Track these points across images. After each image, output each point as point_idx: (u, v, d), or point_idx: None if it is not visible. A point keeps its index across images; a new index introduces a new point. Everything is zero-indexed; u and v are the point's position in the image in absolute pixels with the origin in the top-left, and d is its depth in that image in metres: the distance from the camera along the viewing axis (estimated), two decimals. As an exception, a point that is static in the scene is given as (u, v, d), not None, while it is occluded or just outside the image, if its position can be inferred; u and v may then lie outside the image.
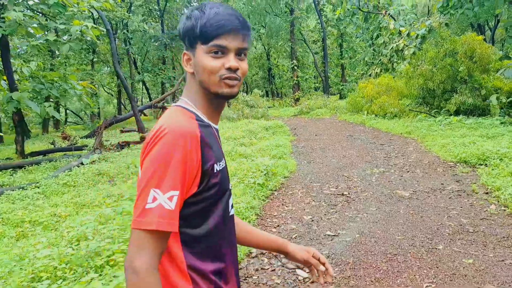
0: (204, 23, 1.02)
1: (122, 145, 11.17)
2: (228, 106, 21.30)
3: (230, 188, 1.17)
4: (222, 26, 1.02)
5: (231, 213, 1.16)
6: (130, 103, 14.09)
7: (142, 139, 12.00)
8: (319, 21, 31.80)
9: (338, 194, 5.58)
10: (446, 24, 11.73)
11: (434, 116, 13.45)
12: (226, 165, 1.13)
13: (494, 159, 6.22)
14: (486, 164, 6.26)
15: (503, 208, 4.34)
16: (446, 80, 13.58)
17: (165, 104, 16.18)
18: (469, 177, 5.86)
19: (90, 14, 20.93)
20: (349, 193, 5.57)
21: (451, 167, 6.58)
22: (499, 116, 12.29)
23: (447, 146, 7.76)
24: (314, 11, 33.10)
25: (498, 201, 4.55)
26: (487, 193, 4.92)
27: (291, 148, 9.90)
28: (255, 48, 39.25)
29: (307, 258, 1.33)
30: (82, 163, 9.34)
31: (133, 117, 14.34)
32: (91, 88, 12.00)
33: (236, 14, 1.07)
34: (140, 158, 1.02)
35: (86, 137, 15.97)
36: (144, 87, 33.06)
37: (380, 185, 5.85)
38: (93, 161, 9.40)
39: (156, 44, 27.44)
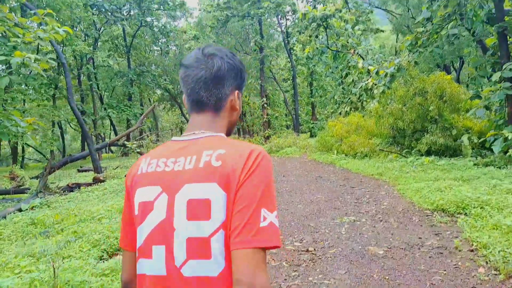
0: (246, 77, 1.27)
1: (71, 187, 10.09)
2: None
3: None
4: None
5: None
6: (85, 141, 13.10)
7: (95, 180, 10.96)
8: (289, 59, 31.99)
9: (302, 250, 4.77)
10: (416, 62, 11.53)
11: (405, 156, 13.04)
12: None
13: (474, 207, 5.61)
14: (466, 213, 5.64)
15: (493, 272, 3.64)
16: (416, 120, 13.30)
17: (125, 143, 15.24)
18: (449, 228, 5.19)
19: (48, 48, 20.05)
20: (315, 249, 4.77)
21: (427, 215, 5.92)
22: (471, 156, 11.97)
23: (422, 191, 7.16)
24: (284, 50, 33.37)
25: (487, 262, 3.85)
26: (472, 250, 4.23)
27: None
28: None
29: None
30: (20, 209, 8.25)
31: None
32: (38, 124, 10.97)
33: None
34: (220, 180, 0.99)
35: (37, 177, 14.72)
36: (111, 124, 32.01)
37: (350, 238, 5.09)
38: (33, 207, 8.32)
39: (123, 80, 26.68)
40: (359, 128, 16.11)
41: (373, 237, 5.03)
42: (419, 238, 4.85)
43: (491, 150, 13.20)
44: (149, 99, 33.04)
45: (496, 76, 9.83)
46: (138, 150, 14.95)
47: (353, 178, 10.74)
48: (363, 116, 17.87)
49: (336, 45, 22.56)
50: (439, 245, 4.50)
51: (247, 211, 0.95)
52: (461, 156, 12.26)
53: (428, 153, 12.97)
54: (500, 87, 9.61)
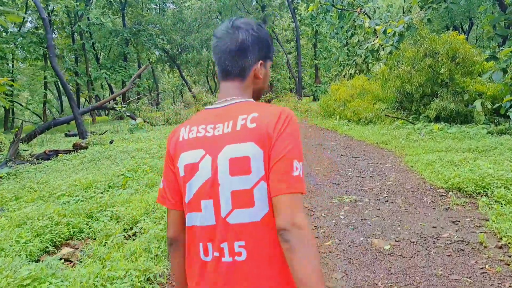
0: (273, 48, 1.36)
1: (48, 155, 9.31)
2: (188, 107, 19.59)
3: None
4: None
5: None
6: (69, 103, 12.20)
7: (76, 146, 10.15)
8: (292, 19, 30.38)
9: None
10: (429, 20, 10.40)
11: (413, 123, 12.12)
12: None
13: (497, 187, 4.78)
14: (487, 194, 4.81)
15: (532, 280, 2.84)
16: (426, 83, 12.27)
17: (115, 106, 14.34)
18: (468, 214, 4.37)
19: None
20: (307, 239, 3.99)
21: (441, 195, 5.10)
22: (484, 123, 11.04)
23: (433, 165, 6.31)
24: (287, 9, 31.70)
25: (522, 265, 3.05)
26: (501, 247, 3.43)
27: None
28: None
29: None
30: (-12, 180, 7.49)
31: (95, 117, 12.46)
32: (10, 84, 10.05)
33: None
34: (257, 137, 1.11)
35: (24, 141, 13.94)
36: (108, 85, 30.93)
37: (351, 225, 4.30)
38: (0, 177, 7.56)
39: (117, 39, 25.37)
40: (364, 92, 15.09)
41: (377, 225, 4.23)
42: (433, 227, 4.04)
43: (506, 117, 12.26)
44: (148, 59, 31.75)
45: (519, 35, 8.75)
46: (129, 113, 14.10)
47: (356, 147, 9.89)
48: (368, 79, 16.77)
49: (342, 3, 21.08)
50: (458, 239, 3.69)
51: (283, 162, 1.08)
52: (473, 123, 11.32)
53: (437, 119, 12.04)
54: (524, 47, 8.55)
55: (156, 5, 30.66)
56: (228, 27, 1.24)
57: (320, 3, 20.65)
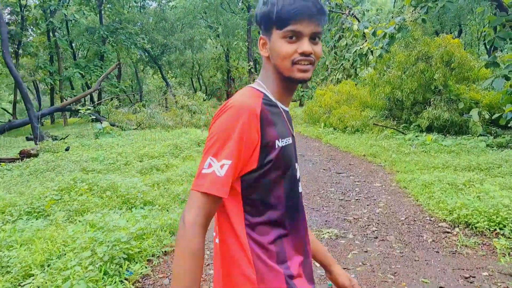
0: (280, 9, 1.04)
1: (-11, 164, 8.05)
2: (166, 109, 18.37)
3: (297, 167, 1.18)
4: (297, 12, 1.04)
5: (300, 191, 1.19)
6: (25, 105, 10.94)
7: (22, 154, 8.90)
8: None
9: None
10: (423, 20, 9.42)
11: (403, 133, 11.13)
12: (293, 142, 1.17)
13: (517, 223, 3.73)
14: (504, 234, 3.75)
15: None
16: (418, 89, 11.30)
17: (79, 108, 13.07)
18: (484, 263, 3.31)
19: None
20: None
21: (445, 232, 4.04)
22: (481, 135, 10.09)
23: (431, 188, 5.25)
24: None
25: None
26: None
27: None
28: (215, 48, 36.54)
29: (348, 286, 1.33)
30: None
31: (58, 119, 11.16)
32: None
33: None
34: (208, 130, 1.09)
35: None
36: (86, 85, 29.47)
37: (327, 279, 3.18)
38: None
39: (94, 37, 24.03)
40: (351, 98, 14.09)
41: (364, 279, 3.13)
42: (440, 288, 2.95)
43: (505, 128, 11.36)
44: (131, 59, 30.38)
45: (524, 38, 7.80)
46: (94, 117, 12.86)
47: (341, 159, 8.83)
48: (356, 84, 15.79)
49: (330, 4, 20.13)
50: (478, 311, 2.60)
51: (202, 158, 1.04)
52: (469, 135, 10.37)
53: (429, 129, 11.08)
54: (530, 51, 7.60)
55: (137, 2, 29.36)
56: None
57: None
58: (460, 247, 3.65)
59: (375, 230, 4.23)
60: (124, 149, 9.84)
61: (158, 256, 3.57)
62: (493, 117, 9.58)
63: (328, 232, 4.20)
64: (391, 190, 5.85)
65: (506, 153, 7.75)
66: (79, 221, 4.06)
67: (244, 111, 1.01)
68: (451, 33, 32.59)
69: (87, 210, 4.59)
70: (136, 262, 3.33)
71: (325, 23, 1.09)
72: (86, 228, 3.80)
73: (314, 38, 1.08)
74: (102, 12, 24.81)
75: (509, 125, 10.18)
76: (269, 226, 1.09)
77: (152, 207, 4.90)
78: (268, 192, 1.08)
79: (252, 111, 1.02)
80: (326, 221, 4.62)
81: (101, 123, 12.86)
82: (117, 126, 14.58)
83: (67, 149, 9.72)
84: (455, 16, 29.60)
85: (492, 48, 22.82)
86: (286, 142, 1.10)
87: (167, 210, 4.92)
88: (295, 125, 16.67)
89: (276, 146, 1.06)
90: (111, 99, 16.25)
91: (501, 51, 12.20)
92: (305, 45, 1.05)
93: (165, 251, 3.70)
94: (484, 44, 31.40)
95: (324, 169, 7.79)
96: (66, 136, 12.32)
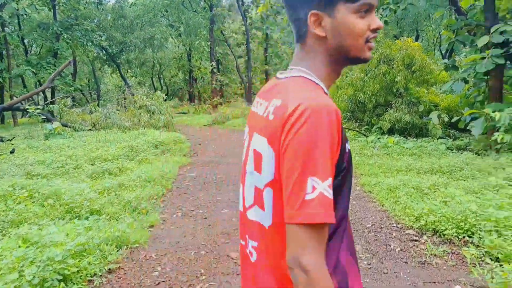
0: None
1: None
2: (125, 109, 17.62)
3: None
4: None
5: None
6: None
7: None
8: (243, 22, 29.11)
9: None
10: (386, 22, 9.41)
11: (365, 135, 11.11)
12: None
13: (487, 230, 3.59)
14: (473, 242, 3.60)
15: None
16: (379, 92, 11.31)
17: (27, 107, 12.21)
18: (455, 274, 3.12)
19: None
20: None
21: (412, 240, 3.85)
22: (441, 138, 10.20)
23: (397, 192, 5.10)
24: (238, 11, 30.43)
25: None
26: None
27: (172, 182, 6.73)
28: (177, 47, 35.74)
29: None
30: None
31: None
32: None
33: None
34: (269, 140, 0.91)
35: None
36: (39, 83, 27.94)
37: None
38: None
39: (47, 33, 22.77)
40: (314, 100, 13.96)
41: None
42: (413, 305, 2.72)
43: (462, 131, 11.57)
44: (87, 57, 29.05)
45: (482, 41, 7.87)
46: (44, 117, 12.04)
47: (304, 162, 8.62)
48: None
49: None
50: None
51: (290, 181, 0.82)
52: (429, 137, 10.47)
53: (391, 131, 11.11)
54: (488, 54, 7.69)
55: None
56: None
57: (271, 4, 19.51)
58: (429, 256, 3.46)
59: (341, 239, 3.99)
60: (75, 151, 9.21)
61: (100, 276, 3.16)
62: (452, 120, 9.70)
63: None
64: (355, 194, 5.67)
65: (466, 156, 7.80)
66: (10, 235, 3.56)
67: (328, 114, 0.83)
68: (409, 37, 33.55)
69: (24, 221, 4.08)
70: (74, 284, 2.90)
71: None
72: (18, 243, 3.32)
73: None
74: (56, 7, 23.56)
75: (467, 128, 10.35)
76: (341, 236, 0.98)
77: (99, 217, 4.44)
78: (343, 202, 0.95)
79: (334, 112, 0.84)
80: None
81: (52, 123, 12.06)
82: (70, 127, 13.77)
83: (12, 152, 8.97)
84: (413, 22, 30.38)
85: (448, 52, 23.57)
86: (349, 145, 0.97)
87: (116, 220, 4.48)
88: (257, 126, 16.43)
89: (347, 150, 0.94)
90: (62, 98, 15.33)
91: (458, 55, 12.45)
92: (377, 20, 0.93)
93: (110, 269, 3.29)
94: (440, 49, 32.43)
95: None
96: (13, 138, 11.45)
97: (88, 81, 41.65)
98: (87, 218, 4.49)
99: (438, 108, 10.87)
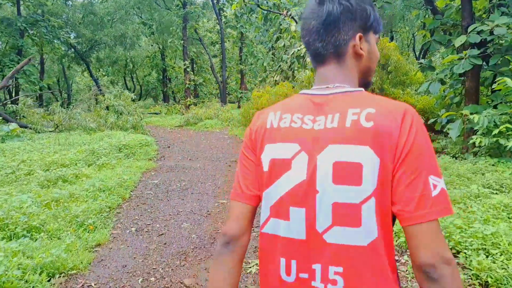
0: (378, 17, 1.04)
1: None
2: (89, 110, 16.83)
3: None
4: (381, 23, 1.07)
5: None
6: None
7: None
8: (217, 21, 28.50)
9: None
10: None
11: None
12: None
13: (474, 249, 3.20)
14: (459, 263, 3.20)
15: None
16: (355, 93, 11.00)
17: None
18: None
19: None
20: None
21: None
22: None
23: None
24: (212, 10, 29.79)
25: None
26: None
27: (131, 191, 6.15)
28: (151, 46, 34.83)
29: None
30: None
31: None
32: None
33: None
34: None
35: None
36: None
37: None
38: None
39: (10, 29, 21.62)
40: (288, 101, 13.54)
41: None
42: None
43: (439, 133, 11.38)
44: (55, 55, 27.81)
45: (459, 41, 7.61)
46: (1, 117, 11.20)
47: (277, 167, 8.18)
48: (293, 87, 15.35)
49: (267, 3, 19.65)
50: None
51: (419, 182, 0.86)
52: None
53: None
54: (466, 55, 7.43)
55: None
56: (313, 4, 1.02)
57: (244, 1, 19.02)
58: (410, 280, 3.05)
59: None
60: (31, 155, 8.49)
61: (19, 317, 2.59)
62: (429, 122, 9.44)
63: (256, 264, 3.44)
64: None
65: (444, 160, 7.53)
66: None
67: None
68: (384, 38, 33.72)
69: None
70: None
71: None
72: None
73: None
74: (21, 2, 22.43)
75: (444, 130, 10.12)
76: None
77: (38, 235, 3.86)
78: None
79: None
80: (255, 247, 3.86)
81: (9, 125, 11.24)
82: (30, 128, 12.93)
83: (-43, 157, 8.17)
84: (387, 23, 30.50)
85: (422, 53, 23.64)
86: None
87: (58, 238, 3.91)
88: (232, 128, 15.90)
89: None
90: (23, 97, 14.42)
91: (433, 55, 12.30)
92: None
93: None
94: (414, 50, 32.67)
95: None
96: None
97: (58, 80, 40.24)
98: (25, 236, 3.91)
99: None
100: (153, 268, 3.39)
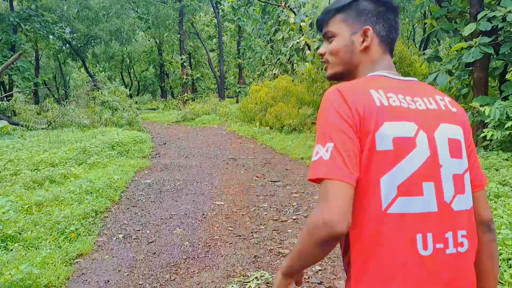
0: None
1: None
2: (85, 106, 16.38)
3: None
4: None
5: None
6: None
7: None
8: (214, 15, 27.95)
9: None
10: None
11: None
12: None
13: (504, 258, 2.81)
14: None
15: None
16: (357, 86, 10.58)
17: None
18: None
19: None
20: None
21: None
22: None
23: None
24: (209, 3, 29.24)
25: None
26: None
27: (121, 192, 5.76)
28: (148, 41, 34.31)
29: None
30: None
31: None
32: None
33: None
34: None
35: None
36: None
37: None
38: None
39: (4, 25, 21.10)
40: (288, 95, 13.13)
41: None
42: None
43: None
44: (50, 50, 27.25)
45: (469, 29, 7.20)
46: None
47: (277, 164, 7.79)
48: (292, 80, 14.92)
49: (265, -6, 19.16)
50: None
51: (476, 158, 1.12)
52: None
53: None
54: (476, 42, 7.01)
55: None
56: None
57: (241, -7, 18.55)
58: None
59: (320, 270, 3.15)
60: (19, 154, 8.10)
61: None
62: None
63: (256, 278, 3.04)
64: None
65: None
66: None
67: None
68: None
69: None
70: None
71: (333, 21, 1.12)
72: None
73: (327, 38, 1.13)
74: (13, -4, 21.96)
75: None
76: None
77: (12, 245, 3.47)
78: None
79: None
80: (255, 256, 3.47)
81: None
82: (22, 126, 12.52)
83: None
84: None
85: (424, 43, 23.17)
86: None
87: (36, 248, 3.52)
88: (230, 123, 15.49)
89: None
90: (16, 93, 14.01)
91: (433, 46, 11.86)
92: (320, 48, 1.21)
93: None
94: (414, 42, 32.13)
95: (257, 176, 6.68)
96: (-50, 139, 10.16)
97: (55, 76, 39.73)
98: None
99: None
100: (139, 284, 3.00)
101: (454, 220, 0.97)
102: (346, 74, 1.11)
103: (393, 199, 0.93)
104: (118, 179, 6.15)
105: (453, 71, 8.29)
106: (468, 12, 8.14)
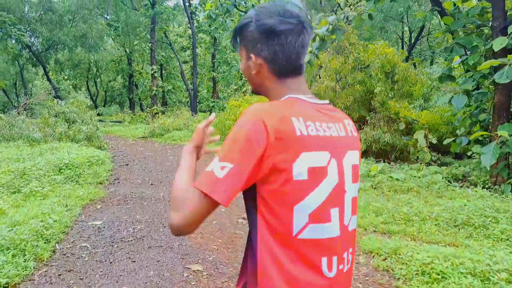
0: None
1: None
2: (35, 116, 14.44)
3: None
4: None
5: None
6: None
7: None
8: (189, 25, 26.45)
9: None
10: (370, 16, 7.37)
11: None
12: None
13: None
14: None
15: None
16: (353, 105, 9.31)
17: None
18: None
19: None
20: None
21: None
22: (426, 163, 8.33)
23: (400, 257, 2.90)
24: (183, 13, 27.78)
25: None
26: None
27: (56, 243, 4.10)
28: (118, 49, 32.40)
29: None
30: None
31: None
32: None
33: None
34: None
35: None
36: None
37: None
38: None
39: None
40: (271, 112, 11.70)
41: None
42: None
43: (445, 153, 9.88)
44: (8, 55, 24.93)
45: (499, 43, 6.05)
46: None
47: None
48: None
49: (246, 4, 17.91)
50: None
51: None
52: (409, 162, 8.60)
53: (364, 153, 9.15)
54: (510, 60, 5.84)
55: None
56: (299, 20, 1.10)
57: (220, 1, 17.19)
58: None
59: None
60: None
61: None
62: (444, 142, 7.83)
63: None
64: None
65: (473, 191, 5.92)
66: None
67: None
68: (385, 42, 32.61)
69: None
70: None
71: (241, 41, 1.10)
72: None
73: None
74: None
75: (456, 151, 8.60)
76: None
77: None
78: None
79: None
80: None
81: None
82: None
83: None
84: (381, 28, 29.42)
85: (411, 47, 22.32)
86: None
87: None
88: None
89: None
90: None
91: (435, 63, 10.83)
92: None
93: None
94: (401, 39, 31.57)
95: (244, 218, 5.16)
96: None
97: (15, 83, 37.04)
98: None
99: (423, 126, 9.03)
100: None
101: (349, 240, 1.06)
102: (259, 92, 1.12)
103: (304, 226, 0.97)
104: (54, 221, 4.47)
105: (472, 93, 7.14)
106: (490, 26, 7.05)
